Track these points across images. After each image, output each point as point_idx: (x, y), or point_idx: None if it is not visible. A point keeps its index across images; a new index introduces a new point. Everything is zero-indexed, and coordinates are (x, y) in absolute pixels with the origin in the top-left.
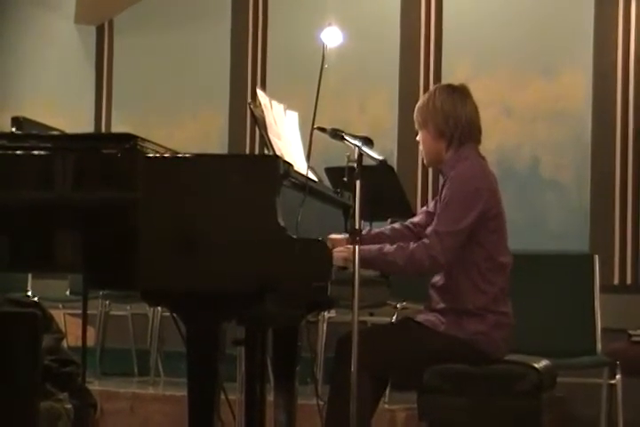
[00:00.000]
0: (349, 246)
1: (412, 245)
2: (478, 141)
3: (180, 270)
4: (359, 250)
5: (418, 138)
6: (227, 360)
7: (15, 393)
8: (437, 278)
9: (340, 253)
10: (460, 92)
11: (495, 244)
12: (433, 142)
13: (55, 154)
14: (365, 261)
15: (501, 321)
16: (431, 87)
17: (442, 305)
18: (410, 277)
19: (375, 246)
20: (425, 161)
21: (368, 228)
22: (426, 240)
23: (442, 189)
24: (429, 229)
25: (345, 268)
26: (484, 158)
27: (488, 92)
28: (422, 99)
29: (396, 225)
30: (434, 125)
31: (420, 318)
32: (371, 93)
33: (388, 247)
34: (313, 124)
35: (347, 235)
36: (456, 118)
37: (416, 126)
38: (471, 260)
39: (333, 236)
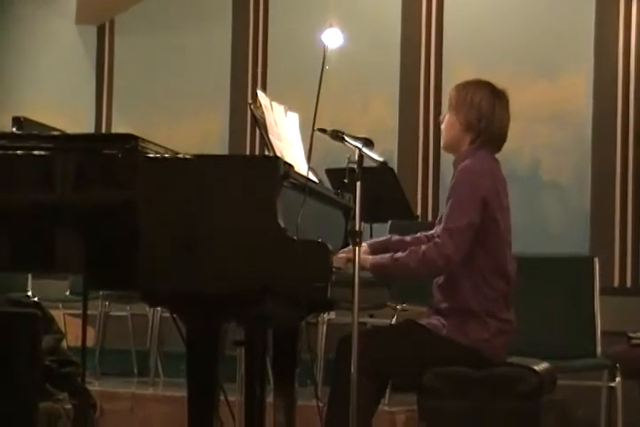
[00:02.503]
0: (350, 249)
1: (424, 246)
2: (498, 150)
3: (181, 271)
4: (372, 259)
5: (442, 118)
6: (226, 361)
7: (15, 393)
8: (440, 277)
9: (342, 254)
10: (502, 99)
11: (498, 249)
12: (460, 131)
13: (56, 154)
14: (378, 268)
15: (503, 328)
16: (474, 78)
17: (444, 305)
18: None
19: (387, 254)
20: (442, 143)
21: (389, 235)
22: (437, 240)
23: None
24: (439, 228)
25: (342, 269)
26: (497, 161)
27: None
28: (464, 84)
29: (418, 234)
30: (465, 117)
31: (423, 320)
32: (371, 95)
33: (399, 253)
34: (313, 125)
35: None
36: (489, 122)
37: (447, 105)
38: (475, 263)
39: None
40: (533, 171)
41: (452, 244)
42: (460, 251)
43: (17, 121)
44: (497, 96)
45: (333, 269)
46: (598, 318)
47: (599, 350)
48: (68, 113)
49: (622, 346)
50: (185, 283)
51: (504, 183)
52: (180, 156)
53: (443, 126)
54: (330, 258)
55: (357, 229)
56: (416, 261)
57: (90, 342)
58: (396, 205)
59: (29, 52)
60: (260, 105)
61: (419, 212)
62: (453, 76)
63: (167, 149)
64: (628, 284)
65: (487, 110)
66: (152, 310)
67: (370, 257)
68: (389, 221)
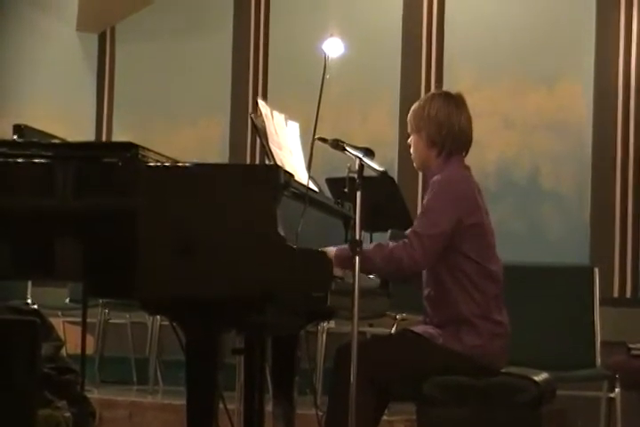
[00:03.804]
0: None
1: (392, 244)
2: (467, 151)
3: (180, 279)
4: (337, 249)
5: (409, 141)
6: (226, 369)
7: (14, 401)
8: (428, 289)
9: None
10: (455, 102)
11: (480, 252)
12: (424, 149)
13: (56, 162)
14: (342, 259)
15: (497, 331)
16: (428, 93)
17: (436, 318)
18: (404, 286)
19: None
20: (414, 164)
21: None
22: (406, 240)
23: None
24: (409, 231)
25: (341, 278)
26: (468, 168)
27: (489, 102)
28: (418, 103)
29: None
30: (427, 134)
31: (419, 329)
32: (372, 104)
33: (365, 246)
34: (314, 134)
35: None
36: (449, 128)
37: (408, 129)
38: (460, 269)
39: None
40: (533, 179)
41: (421, 249)
42: (428, 257)
43: (17, 129)
44: (451, 101)
45: (337, 280)
46: (598, 328)
47: (599, 360)
48: (69, 121)
49: (622, 357)
50: (185, 291)
51: (479, 188)
52: (181, 164)
53: (411, 150)
54: (330, 267)
55: (357, 238)
56: (381, 258)
57: (89, 350)
58: (397, 215)
59: (30, 59)
60: (261, 114)
61: None
62: (454, 85)
63: (167, 158)
64: (628, 294)
65: (444, 119)
66: (151, 318)
67: (334, 248)
68: (389, 231)
